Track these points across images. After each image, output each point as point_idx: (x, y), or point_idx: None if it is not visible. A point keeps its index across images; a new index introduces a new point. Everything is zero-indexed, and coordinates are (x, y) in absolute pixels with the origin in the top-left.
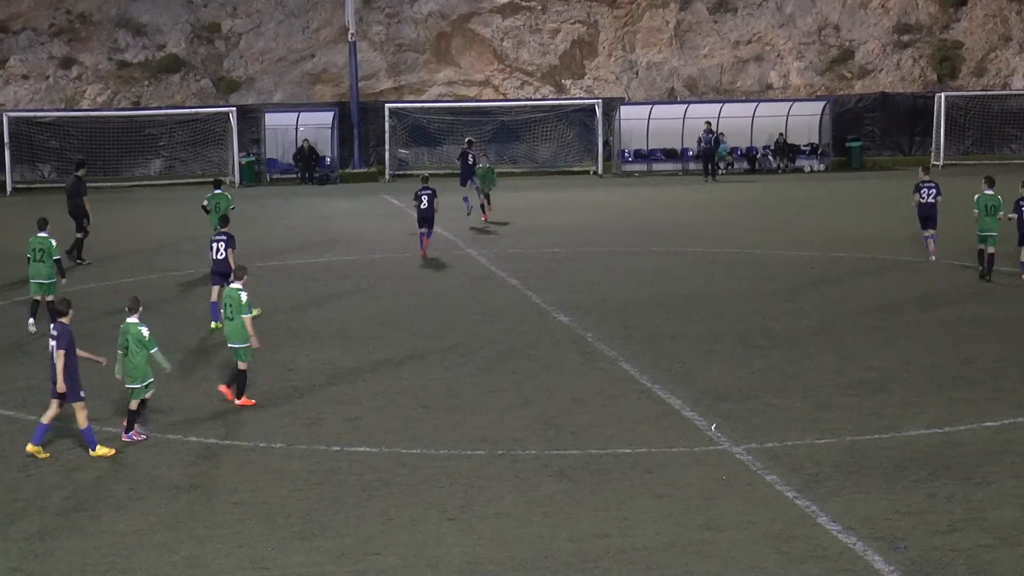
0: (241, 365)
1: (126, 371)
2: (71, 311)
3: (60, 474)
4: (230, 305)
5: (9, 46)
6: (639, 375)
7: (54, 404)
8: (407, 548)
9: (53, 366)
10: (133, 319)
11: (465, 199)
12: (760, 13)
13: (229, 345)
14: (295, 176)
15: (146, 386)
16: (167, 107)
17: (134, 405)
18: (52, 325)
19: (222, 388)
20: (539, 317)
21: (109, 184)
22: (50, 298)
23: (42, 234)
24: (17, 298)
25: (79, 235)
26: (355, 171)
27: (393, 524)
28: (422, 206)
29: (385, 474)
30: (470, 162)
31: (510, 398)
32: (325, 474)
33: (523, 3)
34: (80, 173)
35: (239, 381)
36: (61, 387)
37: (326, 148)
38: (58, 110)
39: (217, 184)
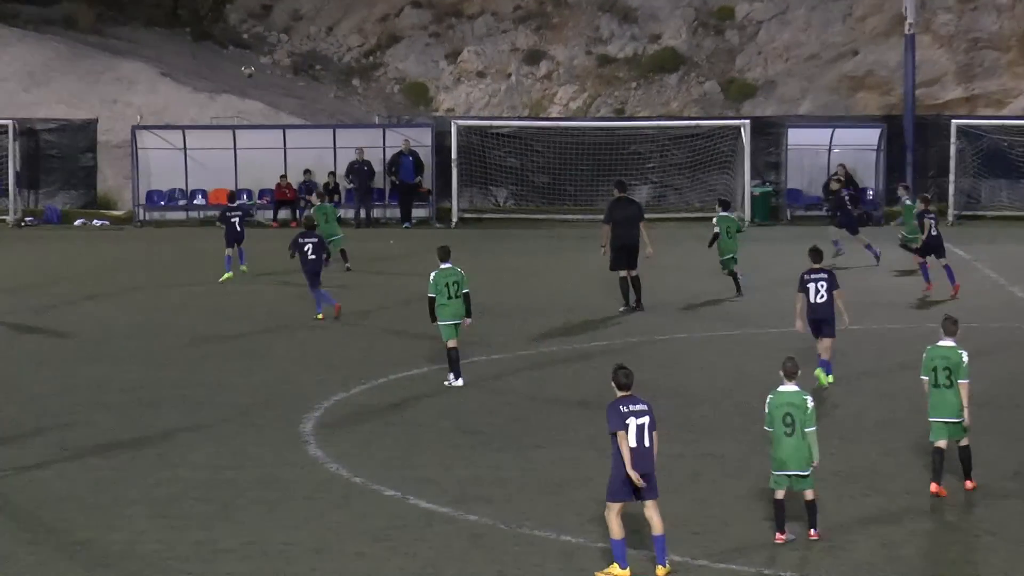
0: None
1: (785, 454)
2: None
3: None
4: (946, 368)
5: (463, 35)
6: None
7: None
8: None
9: (639, 452)
10: (790, 387)
11: (835, 242)
12: None
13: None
14: (825, 213)
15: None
16: (660, 117)
17: (811, 495)
18: (623, 400)
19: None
20: None
21: (580, 216)
22: (454, 343)
23: (446, 265)
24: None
25: (634, 273)
26: None
27: None
28: (932, 232)
29: None
30: (848, 206)
31: None
32: None
33: None
34: (626, 194)
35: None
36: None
37: (868, 177)
38: (520, 118)
39: (725, 206)
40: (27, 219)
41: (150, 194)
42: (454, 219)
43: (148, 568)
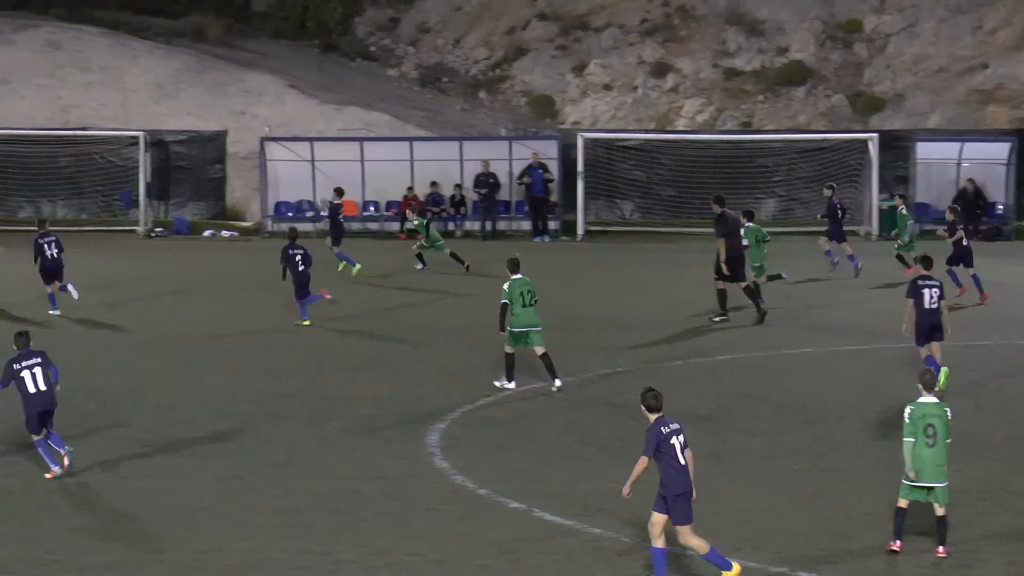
0: None
1: (923, 465)
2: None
3: None
4: None
5: (590, 47)
6: None
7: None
8: None
9: (683, 471)
10: (931, 398)
11: (851, 258)
12: None
13: None
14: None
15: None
16: (787, 130)
17: (943, 511)
18: (660, 421)
19: None
20: None
21: (705, 230)
22: (541, 350)
23: (517, 276)
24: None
25: (745, 284)
26: None
27: None
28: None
29: None
30: (839, 215)
31: None
32: None
33: None
34: (724, 210)
35: None
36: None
37: (997, 191)
38: (646, 131)
39: (749, 216)
40: (157, 229)
41: (278, 205)
42: (580, 232)
43: None
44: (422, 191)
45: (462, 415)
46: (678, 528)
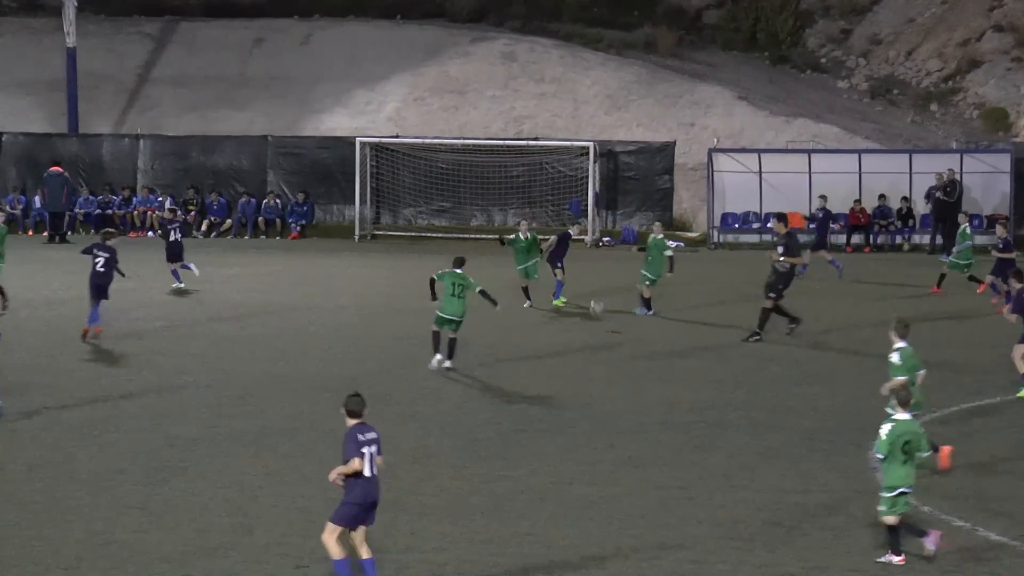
0: None
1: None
2: None
3: None
4: None
5: None
6: None
7: None
8: None
9: (373, 480)
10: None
11: (833, 262)
12: None
13: None
14: None
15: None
16: None
17: (892, 520)
18: (358, 428)
19: None
20: None
21: None
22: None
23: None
24: None
25: None
26: None
27: None
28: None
29: None
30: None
31: None
32: None
33: None
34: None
35: None
36: None
37: None
38: None
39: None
40: (604, 239)
41: (724, 216)
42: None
43: None
44: (870, 204)
45: None
46: (328, 524)
